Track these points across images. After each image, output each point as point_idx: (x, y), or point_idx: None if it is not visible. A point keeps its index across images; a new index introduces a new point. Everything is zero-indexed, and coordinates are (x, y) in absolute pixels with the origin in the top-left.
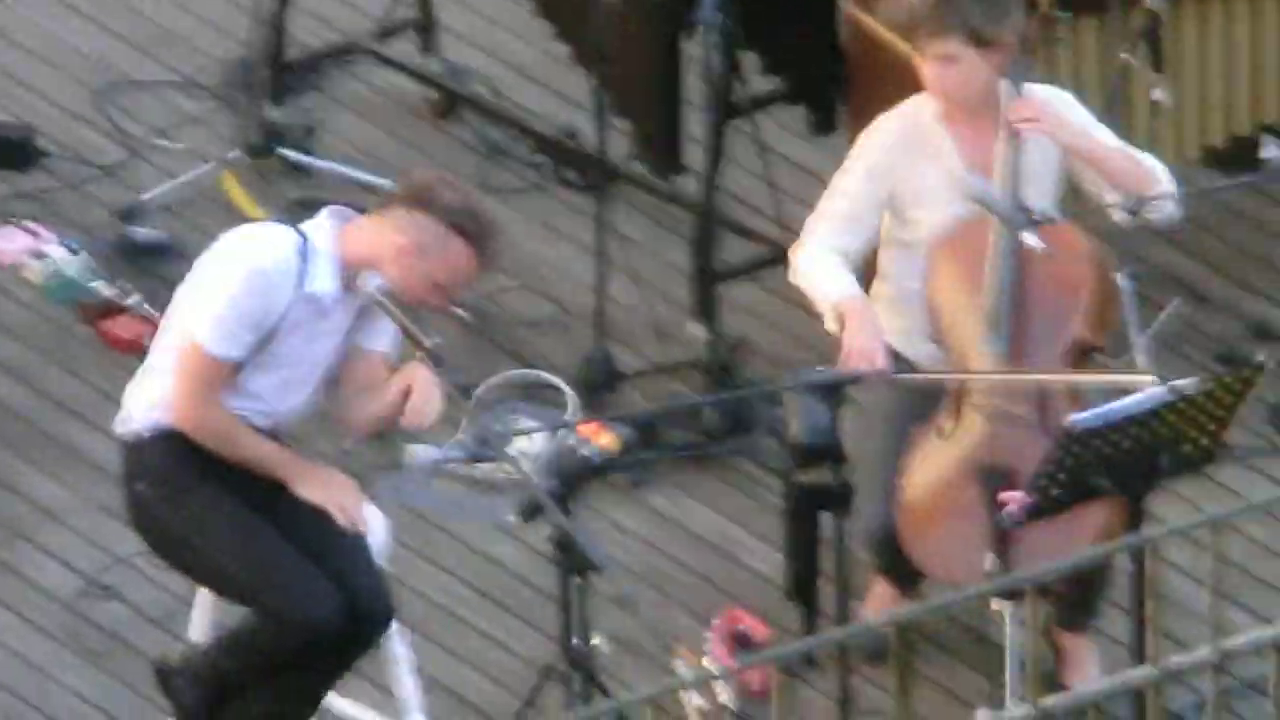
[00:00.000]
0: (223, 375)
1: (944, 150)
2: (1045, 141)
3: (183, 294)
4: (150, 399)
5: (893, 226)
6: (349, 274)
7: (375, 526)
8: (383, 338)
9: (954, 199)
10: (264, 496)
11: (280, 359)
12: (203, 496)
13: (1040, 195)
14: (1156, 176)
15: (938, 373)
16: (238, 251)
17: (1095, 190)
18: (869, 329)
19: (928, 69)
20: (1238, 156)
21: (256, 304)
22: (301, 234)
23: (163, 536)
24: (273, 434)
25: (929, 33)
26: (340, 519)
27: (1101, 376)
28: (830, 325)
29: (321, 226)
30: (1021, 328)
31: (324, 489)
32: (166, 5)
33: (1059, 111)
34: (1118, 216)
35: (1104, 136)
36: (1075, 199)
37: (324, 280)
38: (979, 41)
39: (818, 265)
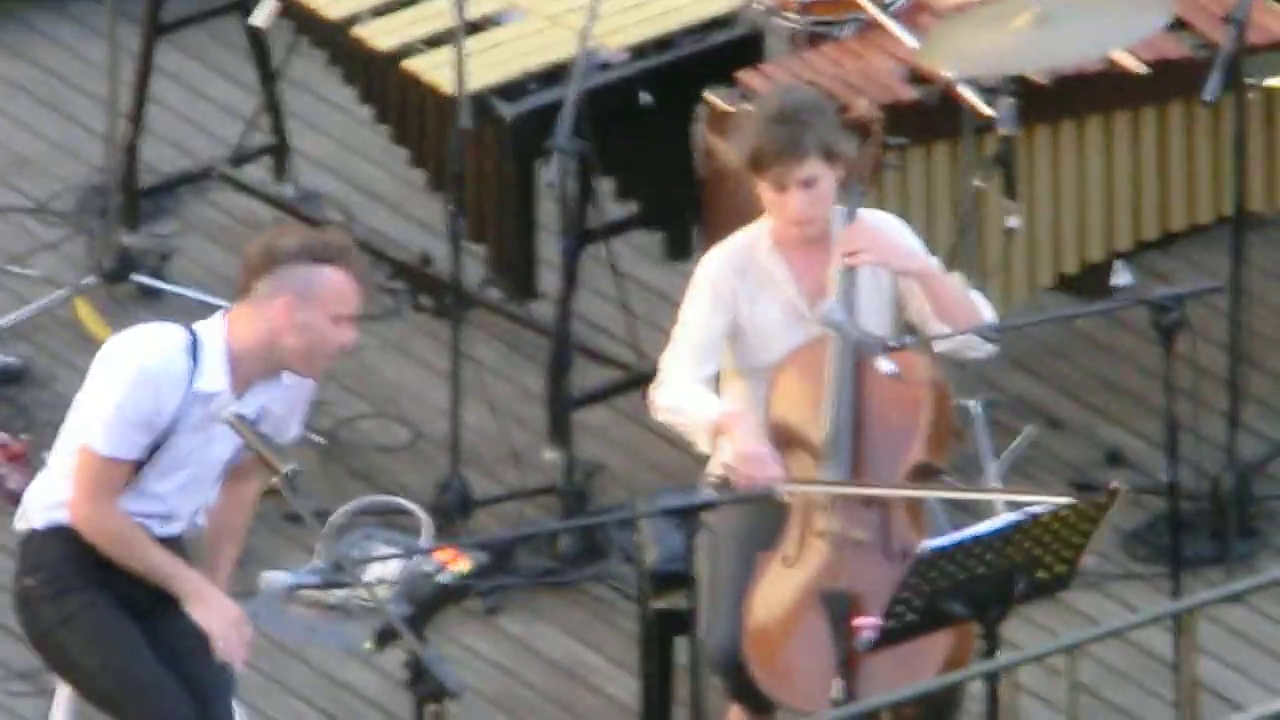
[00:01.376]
0: (118, 477)
1: (779, 279)
2: (879, 272)
3: (80, 395)
4: (48, 499)
5: (732, 356)
6: (242, 368)
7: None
8: (286, 435)
9: (791, 326)
10: (147, 601)
11: (178, 460)
12: (84, 596)
13: (877, 323)
14: (979, 308)
15: (824, 483)
16: (125, 352)
17: (920, 320)
18: (755, 436)
19: (787, 199)
20: (1090, 282)
21: (146, 404)
22: (192, 332)
23: (40, 632)
24: (175, 540)
25: (790, 159)
26: (219, 648)
27: (1009, 494)
28: (706, 447)
29: (213, 324)
30: (861, 450)
31: (210, 614)
32: (18, 130)
33: (888, 236)
34: (940, 348)
35: (934, 264)
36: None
37: (214, 378)
38: (830, 157)
39: (684, 396)
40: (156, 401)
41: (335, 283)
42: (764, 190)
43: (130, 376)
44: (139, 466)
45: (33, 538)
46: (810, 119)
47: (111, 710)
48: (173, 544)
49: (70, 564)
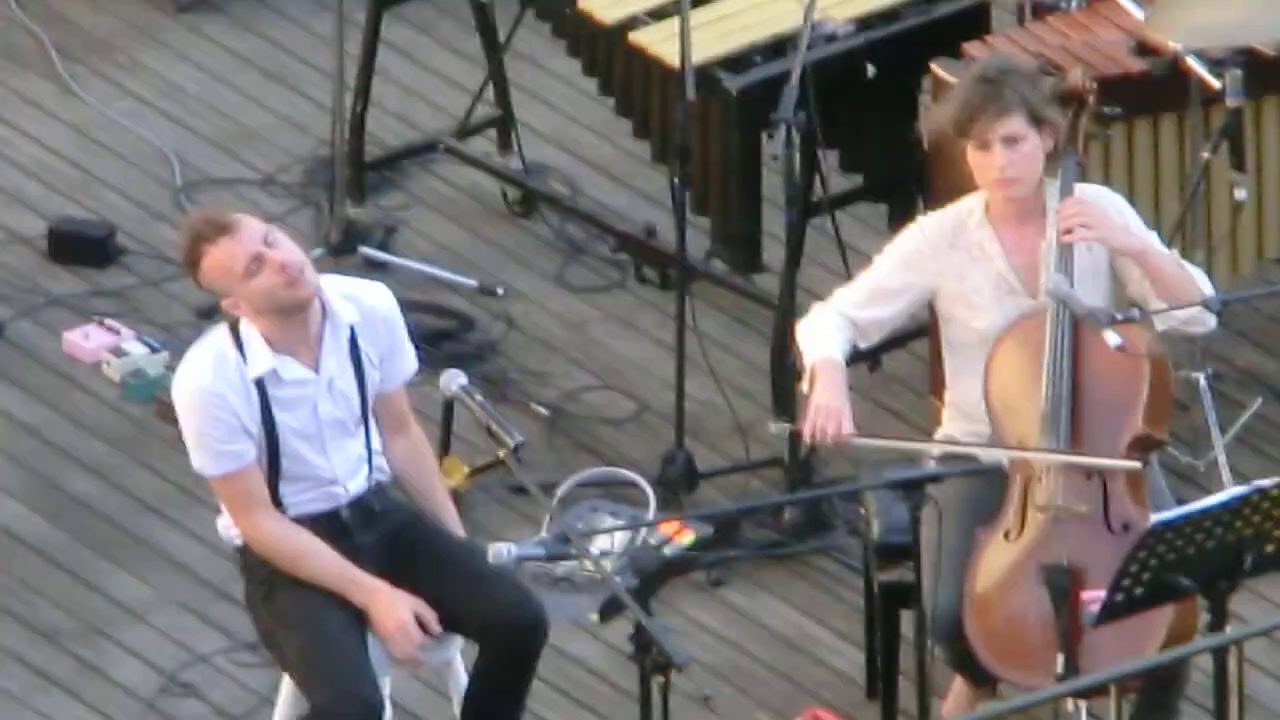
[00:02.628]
0: (251, 487)
1: (990, 252)
2: (1094, 245)
3: None
4: (226, 520)
5: (944, 327)
6: (276, 342)
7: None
8: (396, 376)
9: (1001, 299)
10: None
11: (300, 434)
12: (290, 592)
13: (1092, 296)
14: (1199, 285)
15: (901, 439)
16: (177, 384)
17: (1141, 296)
18: (835, 391)
19: (990, 157)
20: None
21: (217, 416)
22: (234, 325)
23: (261, 629)
24: (365, 498)
25: (992, 115)
26: (394, 648)
27: (1094, 460)
28: (804, 385)
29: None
30: (1080, 422)
31: (383, 616)
32: (248, 104)
33: (1106, 213)
34: (1162, 324)
35: (1152, 241)
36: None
37: (260, 361)
38: (1036, 120)
39: (817, 325)
40: (223, 409)
41: (219, 262)
42: (970, 154)
43: (187, 403)
44: (274, 464)
45: (238, 548)
46: (1014, 80)
47: (308, 698)
48: (369, 500)
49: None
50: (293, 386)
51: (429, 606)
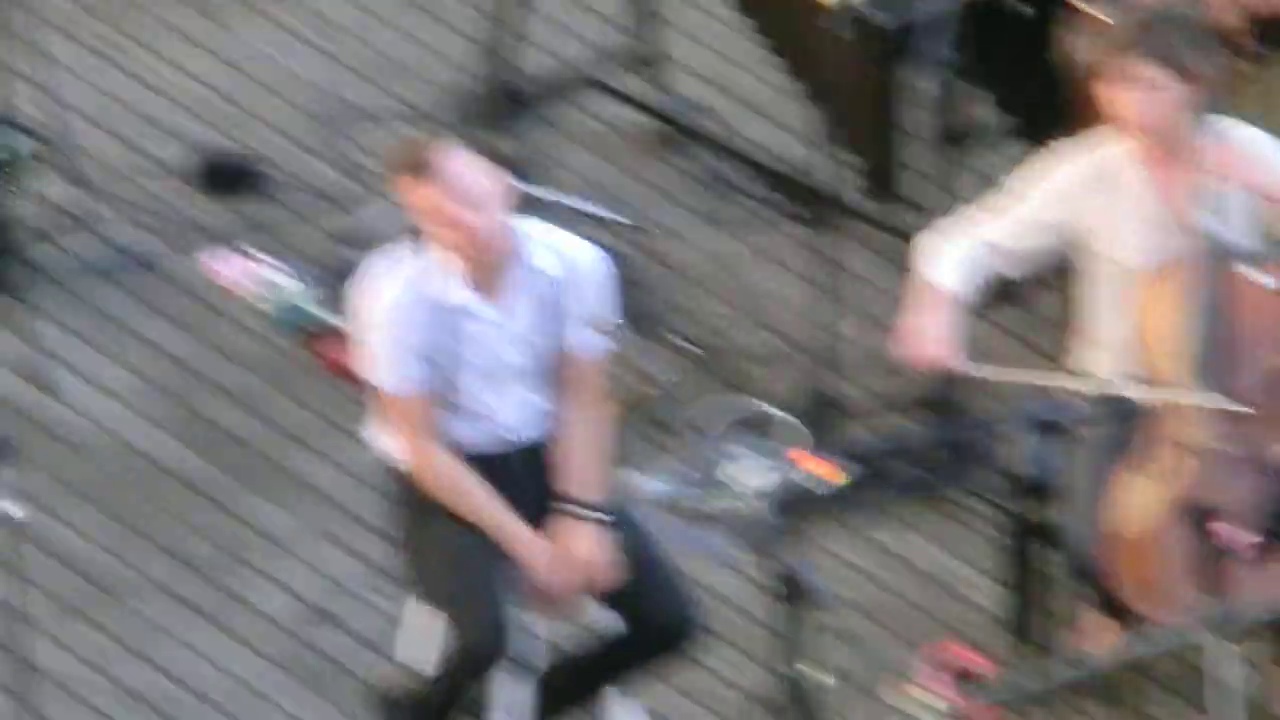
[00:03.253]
0: (425, 412)
1: (1138, 190)
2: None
3: None
4: (389, 438)
5: (1090, 263)
6: (469, 275)
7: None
8: (592, 341)
9: (1151, 238)
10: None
11: (470, 373)
12: (435, 524)
13: (1241, 236)
14: None
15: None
16: (370, 294)
17: None
18: (939, 321)
19: (1125, 96)
20: None
21: (405, 334)
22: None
23: (403, 550)
24: (535, 449)
25: (1134, 58)
26: (546, 601)
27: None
28: (911, 309)
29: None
30: (1230, 365)
31: (535, 563)
32: (396, 36)
33: (1256, 156)
34: None
35: None
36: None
37: (456, 290)
38: (1182, 72)
39: (943, 247)
40: (412, 329)
41: (413, 201)
42: (1108, 89)
43: (378, 317)
44: (450, 396)
45: (390, 468)
46: (1163, 27)
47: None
48: (541, 450)
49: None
50: (482, 324)
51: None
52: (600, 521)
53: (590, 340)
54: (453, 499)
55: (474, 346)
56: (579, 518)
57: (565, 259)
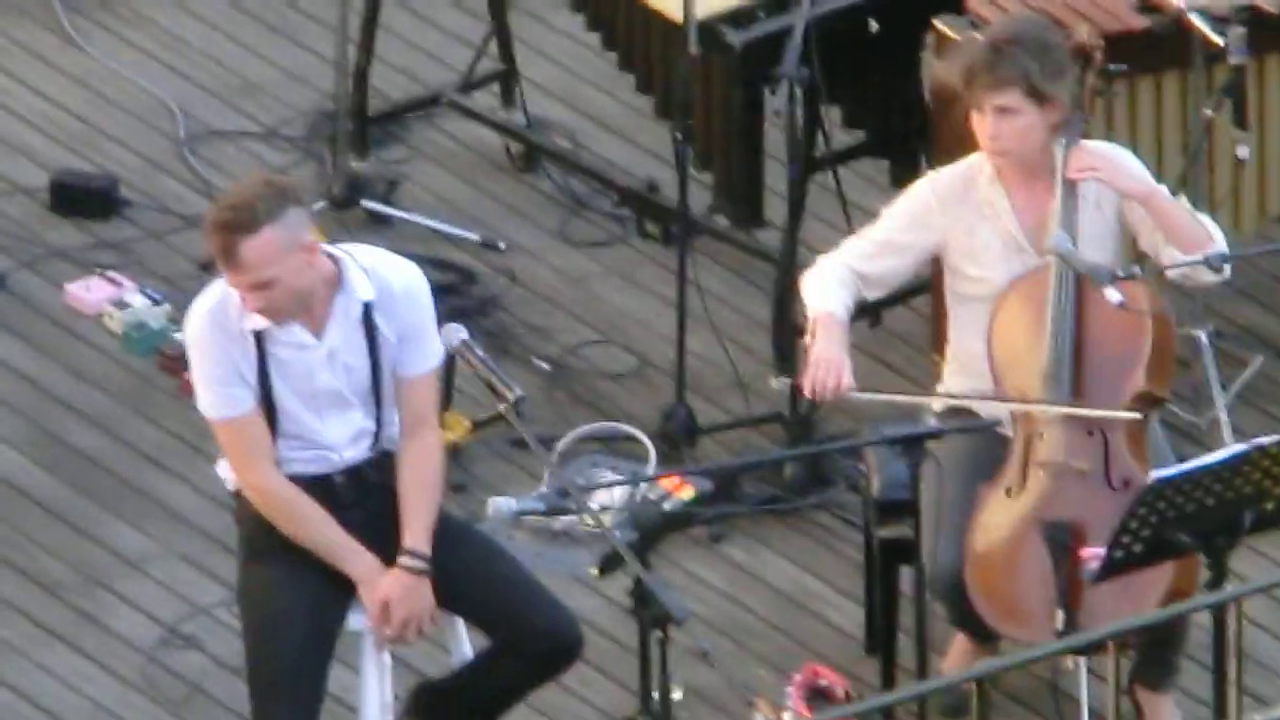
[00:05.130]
0: (252, 435)
1: (1000, 209)
2: (1103, 203)
3: None
4: (226, 465)
5: (950, 281)
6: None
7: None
8: (414, 362)
9: (1009, 257)
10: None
11: (287, 397)
12: (270, 568)
13: (1100, 254)
14: (1211, 234)
15: (902, 393)
16: (185, 323)
17: (1152, 249)
18: (835, 344)
19: (984, 123)
20: None
21: (216, 360)
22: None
23: (239, 583)
24: (359, 469)
25: (987, 85)
26: (382, 631)
27: (1093, 411)
28: (806, 337)
29: None
30: (1083, 379)
31: (371, 596)
32: (250, 56)
33: (1116, 169)
34: (1173, 274)
35: (1163, 189)
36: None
37: (257, 316)
38: (1036, 96)
39: (822, 278)
40: (222, 355)
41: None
42: (971, 115)
43: (191, 344)
44: (270, 419)
45: (235, 493)
46: (1019, 51)
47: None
48: (365, 470)
49: (258, 530)
50: (291, 348)
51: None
52: (417, 570)
53: (416, 360)
54: (286, 522)
55: (285, 370)
56: (399, 564)
57: (380, 280)
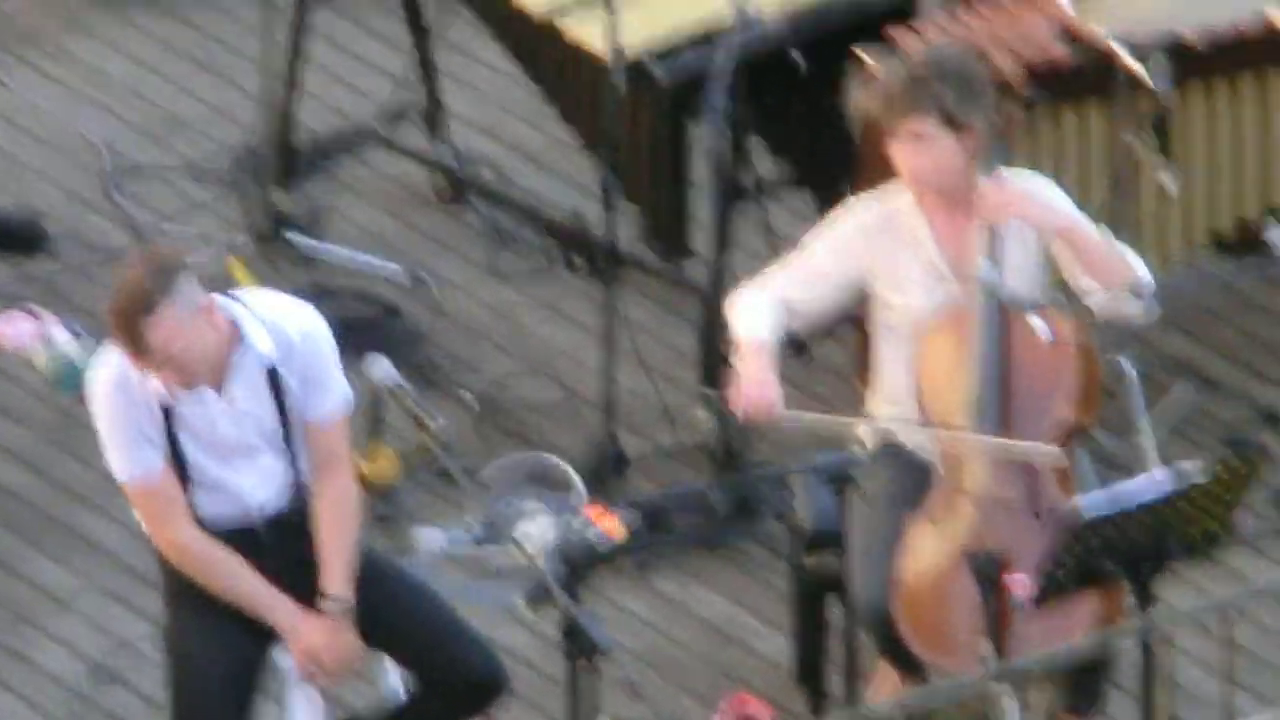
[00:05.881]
0: (163, 495)
1: (921, 238)
2: (1026, 233)
3: None
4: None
5: (875, 310)
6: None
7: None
8: (320, 406)
9: (932, 287)
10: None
11: (195, 451)
12: (189, 619)
13: (1024, 284)
14: (1130, 264)
15: (829, 416)
16: (89, 386)
17: (1073, 280)
18: (762, 369)
19: (899, 150)
20: (1244, 242)
21: (122, 423)
22: None
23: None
24: (281, 520)
25: (901, 111)
26: (310, 679)
27: (1011, 443)
28: (734, 361)
29: None
30: (1009, 410)
31: (297, 644)
32: (174, 92)
33: (1030, 193)
34: (1098, 309)
35: (1081, 220)
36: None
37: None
38: (951, 124)
39: (748, 304)
40: (126, 410)
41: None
42: (886, 140)
43: (96, 406)
44: (182, 474)
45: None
46: (937, 80)
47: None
48: (288, 517)
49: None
50: (193, 404)
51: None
52: (339, 613)
53: (322, 405)
54: (204, 578)
55: (189, 425)
56: (322, 609)
57: (278, 333)
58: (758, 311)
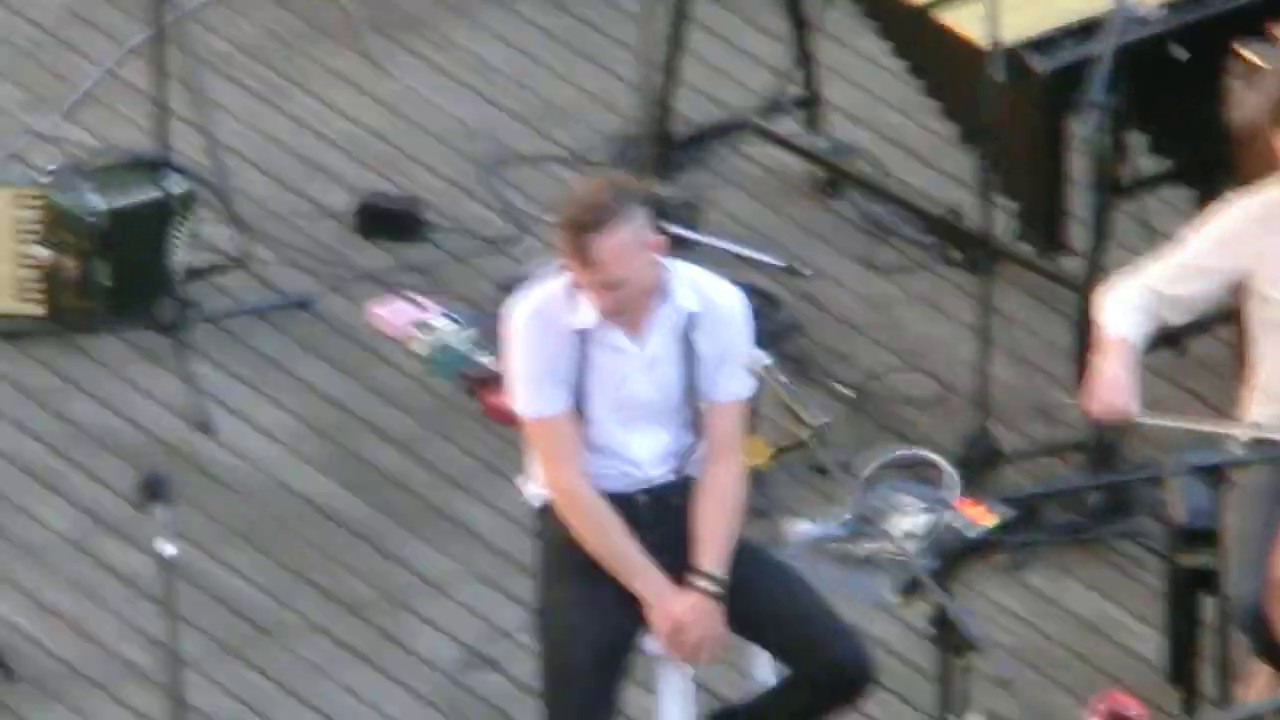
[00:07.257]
0: (564, 436)
1: None
2: None
3: None
4: (534, 476)
5: (1257, 308)
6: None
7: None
8: (727, 386)
9: None
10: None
11: (599, 404)
12: (568, 590)
13: None
14: None
15: (1193, 420)
16: (513, 310)
17: None
18: (1120, 369)
19: None
20: None
21: (536, 354)
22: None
23: (537, 601)
24: (661, 493)
25: None
26: (670, 653)
27: None
28: (1097, 357)
29: None
30: None
31: (659, 618)
32: (554, 80)
33: None
34: None
35: None
36: None
37: (586, 314)
38: None
39: (1117, 298)
40: (545, 347)
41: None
42: (1276, 135)
43: (517, 331)
44: (579, 421)
45: (536, 510)
46: None
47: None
48: (668, 492)
49: (558, 550)
50: (612, 352)
51: (730, 623)
52: (711, 593)
53: (728, 385)
54: (586, 528)
55: (603, 375)
56: (693, 586)
57: (704, 297)
58: (1128, 310)
